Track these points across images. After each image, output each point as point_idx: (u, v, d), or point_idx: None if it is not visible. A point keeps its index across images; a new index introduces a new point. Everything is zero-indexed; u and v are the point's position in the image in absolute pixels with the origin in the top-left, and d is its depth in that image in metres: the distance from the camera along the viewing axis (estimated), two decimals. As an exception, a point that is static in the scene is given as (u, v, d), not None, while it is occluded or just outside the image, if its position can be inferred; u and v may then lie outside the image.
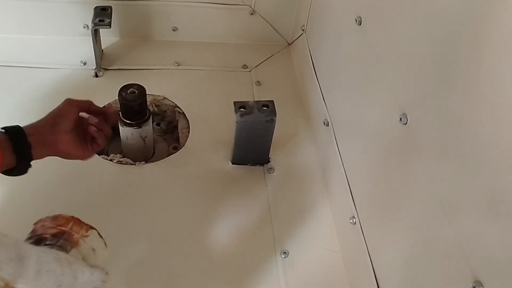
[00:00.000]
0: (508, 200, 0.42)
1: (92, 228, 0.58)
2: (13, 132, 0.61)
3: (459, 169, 0.49)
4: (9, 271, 0.42)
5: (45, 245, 0.54)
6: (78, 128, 0.69)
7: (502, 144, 0.43)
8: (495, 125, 0.44)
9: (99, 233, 0.59)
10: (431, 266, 0.54)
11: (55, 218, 0.57)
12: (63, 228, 0.56)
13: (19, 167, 0.62)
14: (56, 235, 0.55)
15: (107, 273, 0.54)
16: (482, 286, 0.45)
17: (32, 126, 0.65)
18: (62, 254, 0.51)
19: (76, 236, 0.56)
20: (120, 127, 0.89)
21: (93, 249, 0.57)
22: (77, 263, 0.51)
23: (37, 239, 0.55)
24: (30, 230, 0.57)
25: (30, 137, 0.62)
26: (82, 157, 0.71)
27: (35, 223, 0.57)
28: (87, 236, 0.57)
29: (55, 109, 0.69)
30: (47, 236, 0.55)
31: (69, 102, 0.69)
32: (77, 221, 0.58)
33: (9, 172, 0.62)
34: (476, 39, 0.47)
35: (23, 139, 0.62)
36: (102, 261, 0.58)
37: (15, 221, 0.72)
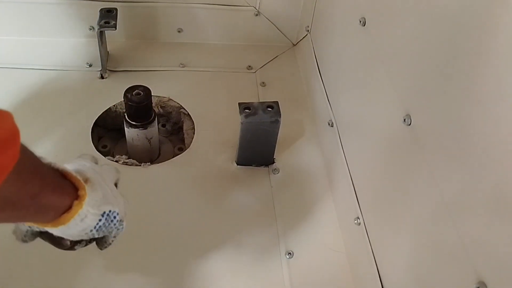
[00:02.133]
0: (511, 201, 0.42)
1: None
2: None
3: (463, 170, 0.49)
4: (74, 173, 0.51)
5: None
6: None
7: (506, 145, 0.43)
8: (499, 126, 0.44)
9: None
10: (435, 266, 0.54)
11: None
12: None
13: None
14: None
15: (84, 154, 0.61)
16: (486, 287, 0.45)
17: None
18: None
19: None
20: (125, 128, 0.89)
21: None
22: (71, 160, 0.58)
23: None
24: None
25: None
26: None
27: None
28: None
29: None
30: None
31: None
32: None
33: None
34: (480, 40, 0.47)
35: None
36: None
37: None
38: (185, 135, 0.99)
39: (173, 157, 0.93)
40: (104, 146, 0.98)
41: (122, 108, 0.99)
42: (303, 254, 0.79)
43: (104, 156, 0.90)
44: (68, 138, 0.92)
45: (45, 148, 0.89)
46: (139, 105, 0.86)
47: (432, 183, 0.55)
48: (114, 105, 0.99)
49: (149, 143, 0.91)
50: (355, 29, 0.79)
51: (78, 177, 0.50)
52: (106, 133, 1.01)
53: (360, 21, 0.76)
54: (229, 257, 0.78)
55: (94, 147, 0.91)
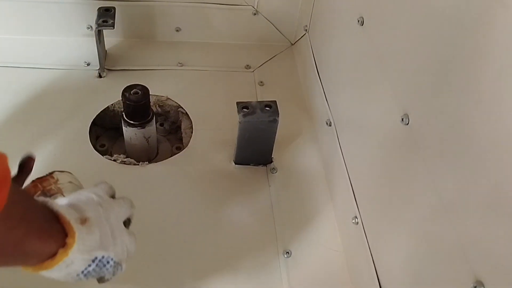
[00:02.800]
0: (509, 201, 0.42)
1: (51, 173, 0.61)
2: None
3: (461, 169, 0.49)
4: (73, 211, 0.49)
5: None
6: None
7: (503, 144, 0.43)
8: (497, 125, 0.44)
9: (58, 171, 0.61)
10: (433, 265, 0.55)
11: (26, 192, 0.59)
12: (39, 193, 0.58)
13: None
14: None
15: (105, 181, 0.60)
16: (483, 286, 0.45)
17: None
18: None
19: (53, 187, 0.58)
20: (123, 127, 0.89)
21: (70, 182, 0.61)
22: (85, 190, 0.56)
23: None
24: None
25: None
26: None
27: None
28: (57, 180, 0.60)
29: None
30: None
31: None
32: (39, 180, 0.59)
33: None
34: (477, 40, 0.47)
35: None
36: (80, 183, 0.63)
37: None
38: (183, 134, 0.99)
39: (171, 156, 0.93)
40: (102, 145, 0.98)
41: (120, 107, 0.98)
42: (301, 253, 0.79)
43: (102, 155, 0.90)
44: (66, 137, 0.92)
45: (43, 147, 0.89)
46: (137, 104, 0.86)
47: (430, 183, 0.55)
48: (112, 104, 0.99)
49: (147, 142, 0.91)
50: (353, 28, 0.79)
51: (72, 221, 0.47)
52: (104, 132, 1.01)
53: (358, 21, 0.76)
54: (226, 256, 0.78)
55: (92, 146, 0.91)
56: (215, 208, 0.84)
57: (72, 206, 0.50)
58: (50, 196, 0.57)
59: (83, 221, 0.49)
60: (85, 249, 0.48)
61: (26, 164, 0.63)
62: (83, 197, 0.52)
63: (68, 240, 0.46)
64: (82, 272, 0.49)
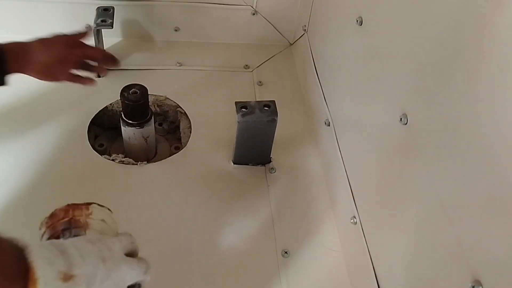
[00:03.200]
0: (508, 201, 0.42)
1: (90, 203, 0.58)
2: None
3: (459, 169, 0.50)
4: (61, 263, 0.45)
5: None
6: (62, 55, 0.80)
7: (502, 144, 0.43)
8: (495, 125, 0.44)
9: (98, 204, 0.59)
10: (431, 265, 0.55)
11: (54, 215, 0.57)
12: (66, 219, 0.56)
13: None
14: (66, 228, 0.55)
15: (130, 235, 0.56)
16: (481, 286, 0.45)
17: (13, 43, 0.76)
18: (88, 236, 0.53)
19: (82, 219, 0.56)
20: (122, 127, 0.89)
21: (103, 220, 0.57)
22: (104, 237, 0.53)
23: (48, 239, 0.55)
24: (30, 230, 0.56)
25: (6, 53, 0.72)
26: (54, 79, 0.82)
27: (40, 228, 0.57)
28: (90, 213, 0.57)
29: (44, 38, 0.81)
30: (58, 233, 0.55)
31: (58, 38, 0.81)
32: (74, 206, 0.57)
33: None
34: (476, 40, 0.47)
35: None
36: (116, 226, 0.59)
37: (14, 223, 0.73)
38: (182, 134, 0.99)
39: (170, 156, 0.93)
40: (101, 145, 0.98)
41: (118, 107, 0.98)
42: (300, 253, 0.79)
43: (101, 155, 0.90)
44: (65, 137, 0.92)
45: (41, 147, 0.88)
46: (136, 104, 0.85)
47: (429, 182, 0.55)
48: (110, 104, 0.99)
49: (146, 142, 0.91)
50: (352, 28, 0.79)
51: (42, 279, 0.42)
52: (103, 132, 1.01)
53: (357, 21, 0.76)
54: (225, 256, 0.78)
55: (90, 146, 0.91)
56: (213, 208, 0.84)
57: (64, 253, 0.46)
58: (74, 228, 0.55)
59: (67, 277, 0.43)
60: None
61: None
62: (87, 245, 0.48)
63: None
64: None
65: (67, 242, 0.48)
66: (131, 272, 0.51)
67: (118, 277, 0.49)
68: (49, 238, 0.55)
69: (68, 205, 0.57)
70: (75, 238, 0.52)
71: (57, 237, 0.55)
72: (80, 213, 0.56)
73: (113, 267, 0.49)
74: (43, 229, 0.56)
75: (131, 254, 0.54)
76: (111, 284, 0.48)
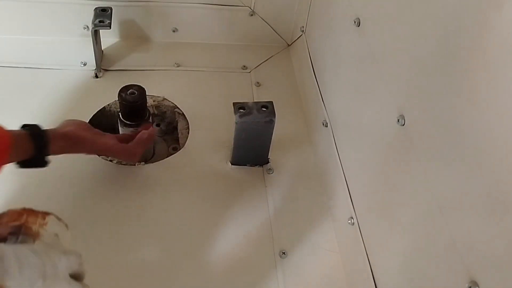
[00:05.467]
0: (504, 201, 0.43)
1: (48, 213, 0.54)
2: (32, 126, 0.69)
3: (456, 170, 0.50)
4: None
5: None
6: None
7: (499, 145, 0.43)
8: (492, 126, 0.44)
9: (56, 217, 0.55)
10: (428, 266, 0.55)
11: (6, 215, 0.52)
12: (17, 223, 0.51)
13: (36, 159, 0.67)
14: (14, 232, 0.50)
15: (80, 255, 0.52)
16: (478, 286, 0.45)
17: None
18: (35, 246, 0.49)
19: (34, 227, 0.52)
20: (120, 127, 0.89)
21: (56, 234, 0.53)
22: (51, 252, 0.49)
23: None
24: None
25: (48, 131, 0.70)
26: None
27: None
28: (45, 224, 0.53)
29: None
30: (4, 236, 0.50)
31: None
32: (30, 212, 0.53)
33: (27, 163, 0.68)
34: (474, 41, 0.47)
35: (40, 131, 0.69)
36: (69, 243, 0.55)
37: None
38: (180, 135, 0.99)
39: (168, 156, 0.93)
40: (98, 146, 0.97)
41: (116, 108, 0.98)
42: (297, 254, 0.79)
43: (98, 155, 0.90)
44: (62, 137, 0.91)
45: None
46: (134, 105, 0.85)
47: (426, 183, 0.55)
48: (108, 105, 0.99)
49: (144, 142, 0.91)
50: (349, 29, 0.79)
51: None
52: (101, 133, 1.01)
53: (355, 22, 0.76)
54: (222, 256, 0.78)
55: (88, 147, 0.91)
56: (211, 209, 0.84)
57: (1, 260, 0.42)
58: (23, 234, 0.50)
59: None
60: None
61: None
62: (30, 256, 0.44)
63: None
64: None
65: (8, 249, 0.44)
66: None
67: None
68: None
69: (24, 209, 0.53)
70: (20, 245, 0.48)
71: (2, 239, 0.50)
72: (34, 220, 0.52)
73: (52, 287, 0.45)
74: None
75: (76, 276, 0.51)
76: None
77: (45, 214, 0.54)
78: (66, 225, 0.56)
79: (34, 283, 0.43)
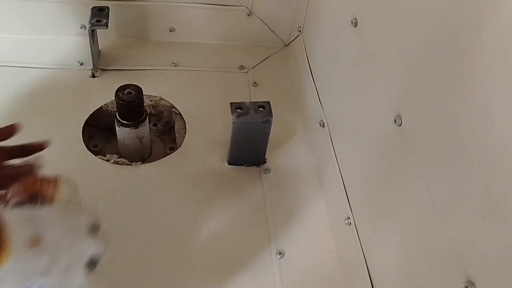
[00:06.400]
0: (501, 201, 0.43)
1: (58, 177, 0.58)
2: None
3: (454, 170, 0.50)
4: (31, 228, 0.46)
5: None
6: None
7: (495, 146, 0.44)
8: (490, 127, 0.44)
9: (67, 179, 0.59)
10: (425, 266, 0.55)
11: (21, 183, 0.55)
12: (34, 190, 0.55)
13: None
14: (32, 199, 0.54)
15: (95, 209, 0.55)
16: (474, 286, 0.45)
17: None
18: (53, 209, 0.53)
19: (49, 191, 0.55)
20: (116, 127, 0.89)
21: (69, 194, 0.57)
22: (69, 210, 0.53)
23: (14, 205, 0.53)
24: None
25: None
26: None
27: (7, 194, 0.55)
28: (59, 187, 0.57)
29: None
30: (24, 202, 0.53)
31: None
32: (43, 178, 0.57)
33: None
34: (471, 42, 0.48)
35: None
36: (81, 200, 0.59)
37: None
38: (177, 135, 0.99)
39: (164, 156, 0.93)
40: (95, 145, 0.97)
41: (113, 107, 0.98)
42: (294, 254, 0.79)
43: (95, 155, 0.90)
44: (59, 137, 0.91)
45: (35, 147, 0.88)
46: (130, 104, 0.85)
47: (423, 184, 0.55)
48: (105, 104, 0.99)
49: (140, 142, 0.91)
50: (346, 29, 0.79)
51: (13, 242, 0.43)
52: (97, 132, 1.01)
53: (352, 22, 0.77)
54: (219, 257, 0.78)
55: (85, 146, 0.91)
56: (208, 208, 0.84)
57: (33, 219, 0.46)
58: (41, 197, 0.55)
59: (34, 242, 0.44)
60: (20, 272, 0.43)
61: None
62: (54, 215, 0.49)
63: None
64: None
65: (35, 211, 0.49)
66: (92, 246, 0.52)
67: (79, 251, 0.49)
68: (15, 205, 0.54)
69: (37, 177, 0.57)
70: (39, 210, 0.51)
71: (21, 203, 0.53)
72: (48, 184, 0.56)
73: (76, 239, 0.49)
74: (9, 195, 0.54)
75: (95, 227, 0.55)
76: (71, 258, 0.48)
77: (56, 178, 0.58)
78: (77, 185, 0.59)
79: (62, 237, 0.47)
